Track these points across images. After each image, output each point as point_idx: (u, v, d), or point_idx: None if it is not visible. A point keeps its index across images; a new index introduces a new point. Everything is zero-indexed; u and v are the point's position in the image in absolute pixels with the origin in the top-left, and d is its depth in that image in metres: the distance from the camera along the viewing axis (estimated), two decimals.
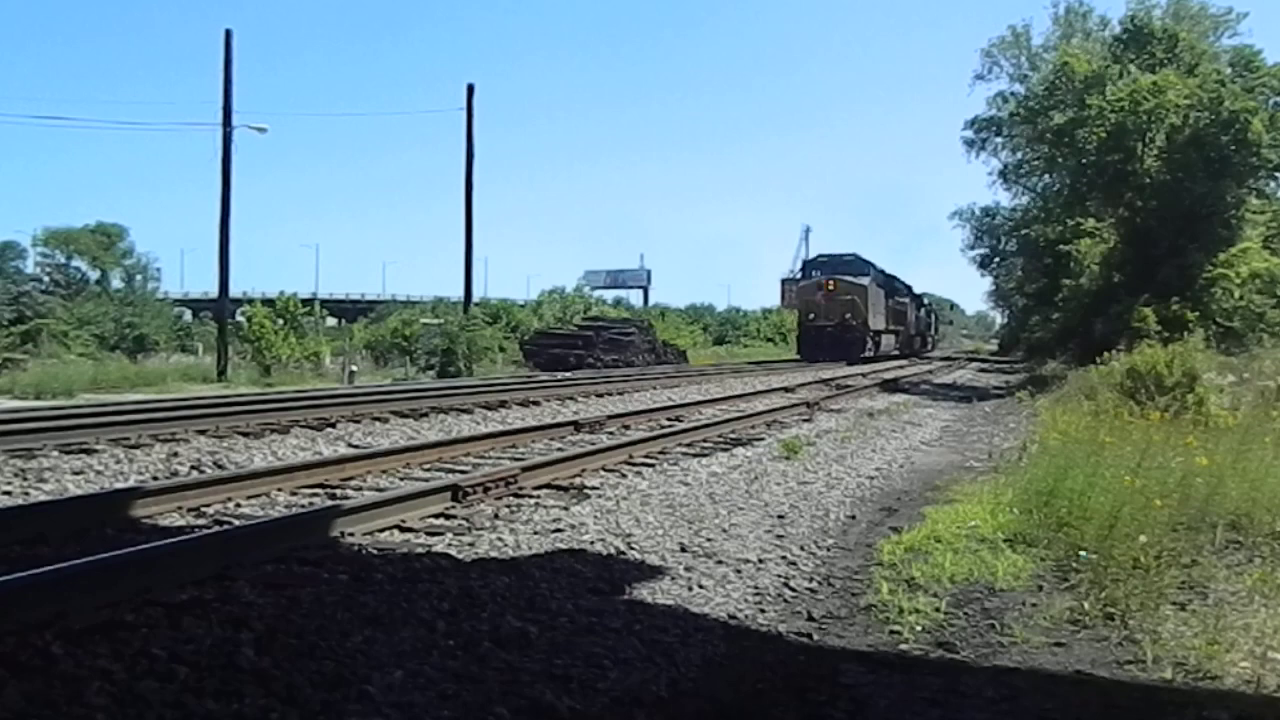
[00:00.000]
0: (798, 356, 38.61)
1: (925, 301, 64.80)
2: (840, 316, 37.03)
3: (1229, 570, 4.84)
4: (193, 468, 7.53)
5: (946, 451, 10.78)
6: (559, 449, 9.14)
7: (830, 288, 37.35)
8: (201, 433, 9.38)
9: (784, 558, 5.33)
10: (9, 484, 6.71)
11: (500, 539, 5.38)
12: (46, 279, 49.56)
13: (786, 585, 4.82)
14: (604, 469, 7.99)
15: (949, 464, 9.54)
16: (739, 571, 4.97)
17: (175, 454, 8.09)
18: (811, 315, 38.15)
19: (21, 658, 3.19)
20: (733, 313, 67.86)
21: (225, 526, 5.54)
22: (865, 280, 38.37)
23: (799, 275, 44.99)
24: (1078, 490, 5.66)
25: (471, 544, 5.26)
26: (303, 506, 6.24)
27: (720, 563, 5.11)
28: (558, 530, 5.64)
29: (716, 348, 51.40)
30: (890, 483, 8.27)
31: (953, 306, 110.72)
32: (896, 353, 45.98)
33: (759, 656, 3.80)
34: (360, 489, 6.91)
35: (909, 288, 52.93)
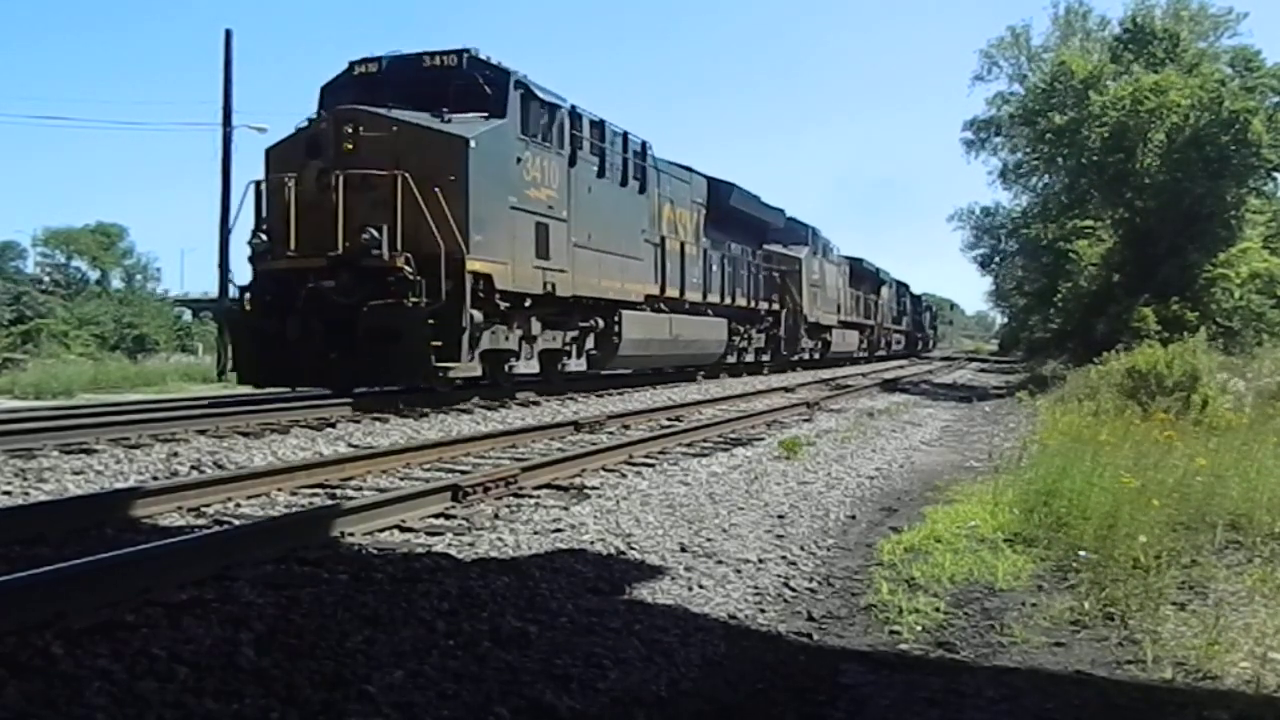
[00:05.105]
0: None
1: (912, 292, 54.52)
2: (348, 237, 11.38)
3: (1229, 570, 4.84)
4: (193, 468, 7.52)
5: (946, 451, 10.78)
6: (559, 449, 9.13)
7: (349, 146, 11.66)
8: (201, 433, 9.37)
9: (784, 558, 5.33)
10: (9, 484, 6.70)
11: (500, 539, 5.38)
12: (46, 279, 49.62)
13: (786, 585, 4.82)
14: (604, 469, 7.99)
15: (949, 464, 9.54)
16: (739, 571, 4.97)
17: (175, 454, 8.09)
18: (260, 239, 12.19)
19: (21, 658, 3.19)
20: None
21: (225, 526, 5.54)
22: (485, 127, 12.40)
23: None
24: (1077, 490, 5.66)
25: (471, 544, 5.26)
26: (303, 506, 6.24)
27: (720, 563, 5.10)
28: (558, 530, 5.64)
29: None
30: (890, 483, 8.27)
31: (953, 306, 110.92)
32: (734, 359, 22.89)
33: (759, 656, 3.80)
34: (360, 489, 6.91)
35: (809, 229, 29.18)
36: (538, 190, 13.71)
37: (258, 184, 12.60)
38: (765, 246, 25.49)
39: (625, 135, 16.82)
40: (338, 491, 6.78)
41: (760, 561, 5.19)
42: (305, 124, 12.84)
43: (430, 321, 11.23)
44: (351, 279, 11.56)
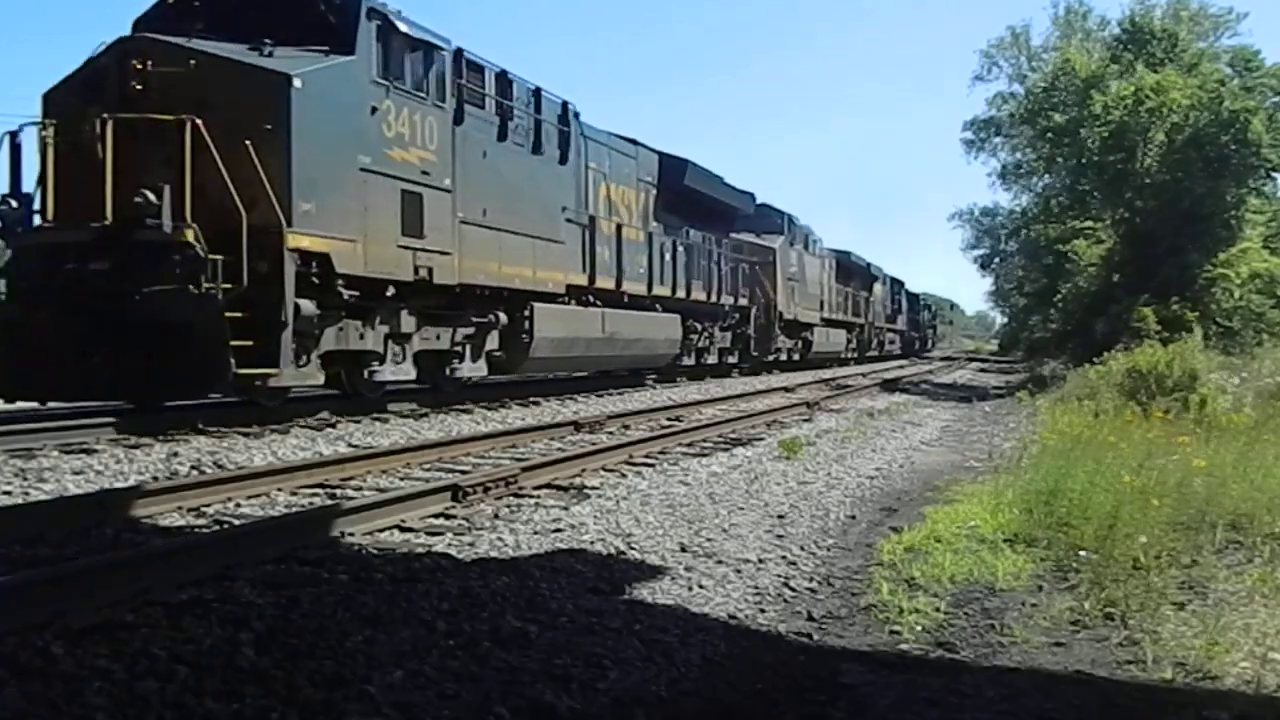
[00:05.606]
0: None
1: (909, 289, 53.19)
2: (120, 203, 8.71)
3: (1229, 570, 4.83)
4: (193, 468, 7.52)
5: (946, 451, 10.78)
6: (559, 449, 9.14)
7: (137, 86, 9.06)
8: (201, 433, 9.37)
9: (784, 557, 5.33)
10: (9, 484, 6.70)
11: (500, 539, 5.38)
12: None
13: (786, 585, 4.82)
14: (604, 469, 7.99)
15: (949, 464, 9.54)
16: (739, 571, 4.97)
17: (175, 454, 8.09)
18: (9, 205, 9.41)
19: (21, 658, 3.19)
20: None
21: (225, 526, 5.54)
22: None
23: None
24: (1078, 490, 5.66)
25: (471, 544, 5.26)
26: (303, 506, 6.24)
27: (720, 563, 5.10)
28: (558, 530, 5.64)
29: None
30: (890, 483, 8.27)
31: (953, 306, 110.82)
32: (692, 360, 20.56)
33: (759, 656, 3.80)
34: (360, 489, 6.91)
35: (785, 217, 26.69)
36: (405, 150, 10.80)
37: (12, 134, 9.47)
38: (734, 235, 22.76)
39: (539, 92, 13.66)
40: (338, 491, 6.78)
41: (760, 561, 5.19)
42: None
43: (236, 314, 8.64)
44: (124, 258, 8.83)
